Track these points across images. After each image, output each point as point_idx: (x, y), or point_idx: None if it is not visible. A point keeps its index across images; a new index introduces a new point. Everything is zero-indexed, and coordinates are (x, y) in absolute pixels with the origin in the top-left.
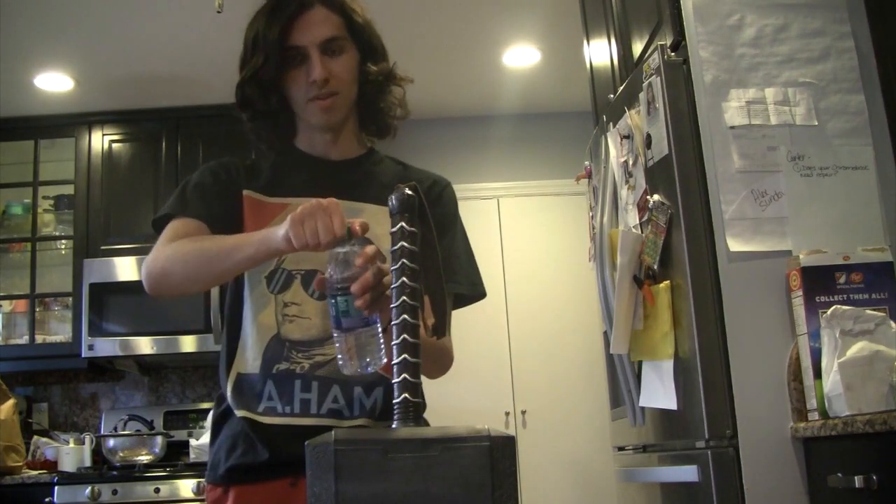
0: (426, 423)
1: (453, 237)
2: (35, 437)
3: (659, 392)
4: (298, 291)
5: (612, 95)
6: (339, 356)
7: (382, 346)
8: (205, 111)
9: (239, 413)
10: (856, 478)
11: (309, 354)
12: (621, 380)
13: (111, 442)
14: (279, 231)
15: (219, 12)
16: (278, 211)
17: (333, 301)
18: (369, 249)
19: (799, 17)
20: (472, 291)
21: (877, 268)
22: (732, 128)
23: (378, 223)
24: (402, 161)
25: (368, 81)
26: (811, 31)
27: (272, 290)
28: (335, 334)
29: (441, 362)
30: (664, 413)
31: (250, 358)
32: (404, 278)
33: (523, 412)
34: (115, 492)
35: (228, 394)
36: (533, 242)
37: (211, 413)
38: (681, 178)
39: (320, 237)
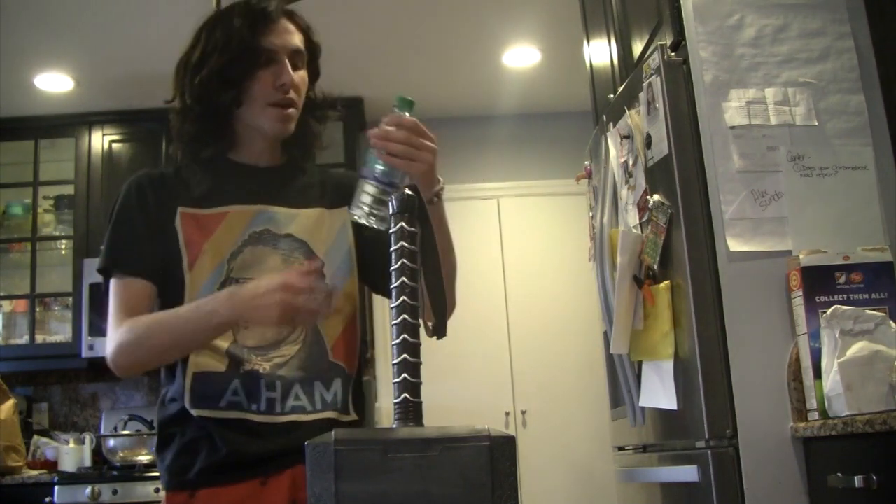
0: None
1: None
2: (35, 437)
3: (659, 392)
4: None
5: (612, 95)
6: (363, 201)
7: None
8: None
9: (197, 412)
10: (856, 478)
11: (267, 357)
12: (621, 380)
13: (111, 442)
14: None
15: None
16: (218, 220)
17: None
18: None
19: (799, 17)
20: None
21: (877, 268)
22: (732, 128)
23: (315, 224)
24: (318, 164)
25: (314, 104)
26: (811, 31)
27: None
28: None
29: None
30: (664, 413)
31: (209, 360)
32: (404, 278)
33: (523, 412)
34: (115, 492)
35: (186, 393)
36: (533, 242)
37: (157, 417)
38: (681, 178)
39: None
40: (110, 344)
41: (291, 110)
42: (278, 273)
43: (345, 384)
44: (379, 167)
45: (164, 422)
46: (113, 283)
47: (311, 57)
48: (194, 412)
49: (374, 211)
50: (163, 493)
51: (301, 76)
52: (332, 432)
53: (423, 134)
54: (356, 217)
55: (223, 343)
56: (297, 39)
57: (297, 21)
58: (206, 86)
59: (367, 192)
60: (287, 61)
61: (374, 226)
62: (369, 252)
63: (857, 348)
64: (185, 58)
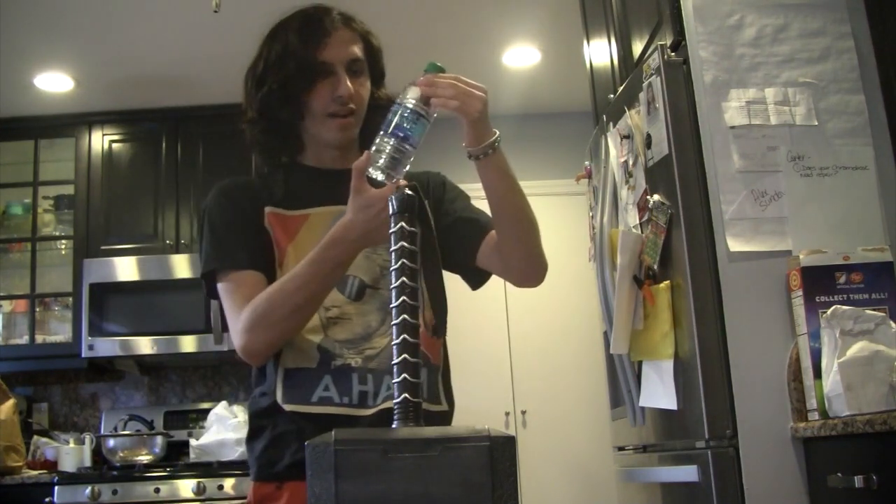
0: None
1: (468, 201)
2: (35, 437)
3: (659, 392)
4: (336, 295)
5: (612, 95)
6: (382, 153)
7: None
8: (205, 111)
9: (288, 407)
10: (856, 478)
11: (359, 350)
12: (621, 380)
13: (111, 442)
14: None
15: (216, 12)
16: (301, 222)
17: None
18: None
19: (799, 17)
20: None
21: (877, 268)
22: (732, 128)
23: None
24: None
25: (378, 106)
26: (811, 31)
27: None
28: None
29: (534, 247)
30: (664, 413)
31: (301, 356)
32: (404, 278)
33: (523, 412)
34: (115, 492)
35: (278, 388)
36: None
37: (248, 409)
38: (681, 178)
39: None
40: (237, 335)
41: (350, 119)
42: (359, 204)
43: (432, 374)
44: (407, 125)
45: (255, 414)
46: (223, 283)
47: (372, 60)
48: (286, 407)
49: (391, 171)
50: (250, 483)
51: (361, 83)
52: (333, 432)
53: (469, 82)
54: (371, 173)
55: (314, 338)
56: (354, 48)
57: (355, 27)
58: (267, 101)
59: (389, 145)
60: (344, 72)
61: (384, 180)
62: (446, 239)
63: (857, 348)
64: (251, 69)
